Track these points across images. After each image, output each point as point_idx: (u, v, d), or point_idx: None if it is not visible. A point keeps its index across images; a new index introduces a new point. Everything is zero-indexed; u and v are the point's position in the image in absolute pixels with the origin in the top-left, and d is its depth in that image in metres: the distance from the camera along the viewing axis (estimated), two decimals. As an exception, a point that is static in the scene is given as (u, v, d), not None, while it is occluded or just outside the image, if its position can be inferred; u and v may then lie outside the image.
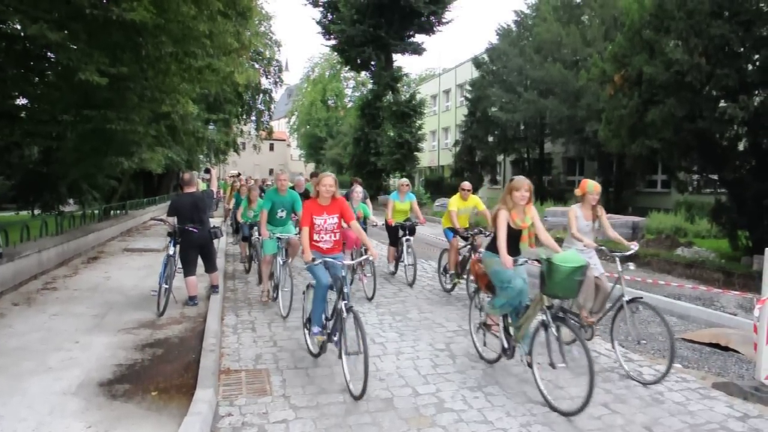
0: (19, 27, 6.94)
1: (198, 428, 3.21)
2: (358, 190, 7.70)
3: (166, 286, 6.00)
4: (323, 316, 4.50)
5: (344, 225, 4.75)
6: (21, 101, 9.84)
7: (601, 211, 5.12)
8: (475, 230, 6.79)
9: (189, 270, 6.38)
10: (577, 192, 5.12)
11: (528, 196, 4.15)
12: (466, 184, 7.31)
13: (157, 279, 6.21)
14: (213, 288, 6.76)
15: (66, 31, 7.23)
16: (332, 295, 4.45)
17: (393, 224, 7.97)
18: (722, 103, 9.22)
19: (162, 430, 3.33)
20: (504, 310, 4.31)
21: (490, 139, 26.99)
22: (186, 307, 6.36)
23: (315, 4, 29.21)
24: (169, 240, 6.38)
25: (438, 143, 39.65)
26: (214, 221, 8.20)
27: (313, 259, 4.29)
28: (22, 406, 3.61)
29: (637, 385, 4.28)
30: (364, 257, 4.62)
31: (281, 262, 6.39)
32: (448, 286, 7.47)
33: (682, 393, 4.07)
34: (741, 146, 10.14)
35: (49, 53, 8.12)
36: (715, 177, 10.67)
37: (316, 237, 4.55)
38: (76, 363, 4.46)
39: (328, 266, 4.49)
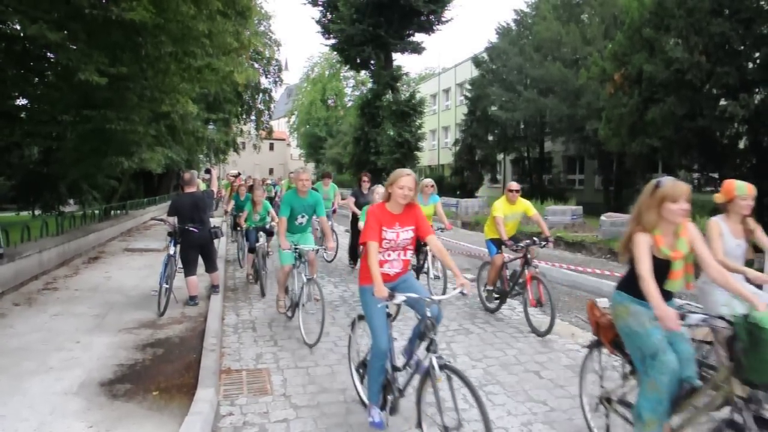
0: (18, 27, 6.95)
1: (199, 428, 3.21)
2: (380, 191, 6.51)
3: (167, 286, 6.01)
4: (383, 381, 3.27)
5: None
6: (21, 101, 9.87)
7: (754, 223, 3.55)
8: (528, 240, 5.67)
9: (189, 270, 6.39)
10: (719, 198, 3.56)
11: (687, 209, 2.57)
12: (514, 185, 6.02)
13: (157, 279, 6.22)
14: (213, 288, 6.77)
15: (65, 31, 7.25)
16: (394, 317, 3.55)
17: None
18: (722, 101, 9.25)
19: (163, 430, 3.34)
20: (657, 412, 2.57)
21: (490, 138, 27.03)
22: (186, 307, 6.36)
23: (314, 3, 29.16)
24: (169, 240, 6.39)
25: (438, 142, 39.65)
26: (214, 221, 8.19)
27: (391, 295, 2.94)
28: (23, 406, 3.62)
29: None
30: (458, 290, 3.06)
31: (305, 279, 5.30)
32: (492, 306, 6.34)
33: (682, 391, 4.06)
34: (741, 144, 10.17)
35: (48, 53, 8.14)
36: (716, 175, 10.69)
37: (379, 256, 3.26)
38: (77, 363, 4.46)
39: (412, 304, 3.20)
